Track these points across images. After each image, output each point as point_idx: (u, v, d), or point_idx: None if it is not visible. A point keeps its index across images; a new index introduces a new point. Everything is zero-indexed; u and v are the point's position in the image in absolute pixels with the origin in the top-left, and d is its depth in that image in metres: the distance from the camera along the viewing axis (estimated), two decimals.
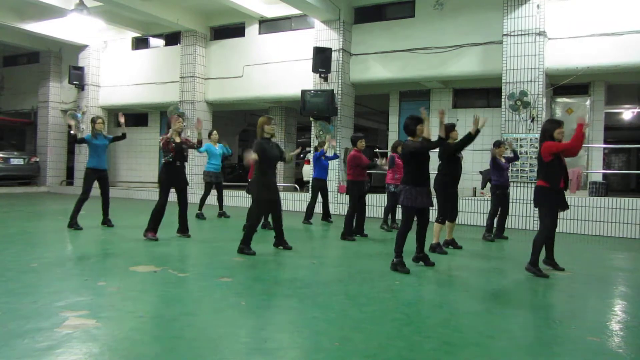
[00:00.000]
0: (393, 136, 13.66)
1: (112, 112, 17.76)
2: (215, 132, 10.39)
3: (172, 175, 7.08)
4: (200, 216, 9.89)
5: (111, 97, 16.49)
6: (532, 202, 5.72)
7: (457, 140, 6.62)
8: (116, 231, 7.93)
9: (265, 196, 6.31)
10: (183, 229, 7.47)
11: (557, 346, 3.26)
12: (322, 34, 12.02)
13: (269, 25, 13.63)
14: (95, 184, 8.19)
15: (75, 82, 16.23)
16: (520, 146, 9.72)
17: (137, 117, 18.12)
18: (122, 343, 3.10)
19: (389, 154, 9.23)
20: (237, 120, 19.97)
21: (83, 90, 16.47)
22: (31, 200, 13.74)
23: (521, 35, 9.83)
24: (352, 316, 3.79)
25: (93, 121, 8.15)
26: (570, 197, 9.38)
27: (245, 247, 6.19)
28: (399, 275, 5.25)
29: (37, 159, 17.49)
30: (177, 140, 7.05)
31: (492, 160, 7.99)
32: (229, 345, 3.13)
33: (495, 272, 5.76)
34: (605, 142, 11.82)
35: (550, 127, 5.50)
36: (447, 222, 6.88)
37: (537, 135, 9.61)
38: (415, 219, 5.64)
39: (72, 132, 8.26)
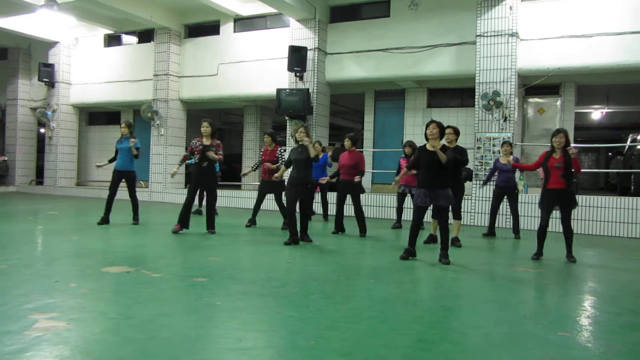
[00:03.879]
0: (368, 135, 13.73)
1: (83, 110, 17.43)
2: None
3: (198, 175, 7.66)
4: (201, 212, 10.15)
5: (83, 95, 16.16)
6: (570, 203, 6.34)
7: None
8: (90, 231, 7.78)
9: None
10: (210, 225, 7.81)
11: (529, 341, 3.32)
12: (298, 33, 12.00)
13: (244, 23, 13.55)
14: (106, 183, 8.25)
15: (45, 80, 15.89)
16: (493, 145, 9.87)
17: (109, 115, 17.83)
18: (94, 345, 3.05)
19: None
20: (212, 119, 19.80)
21: (53, 88, 16.13)
22: None
23: (494, 36, 9.99)
24: (328, 315, 3.80)
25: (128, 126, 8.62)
26: None
27: (304, 235, 7.20)
28: (373, 273, 5.28)
29: (6, 158, 17.09)
30: (206, 143, 7.60)
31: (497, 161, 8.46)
32: (205, 346, 3.10)
33: (468, 270, 5.83)
34: (575, 141, 12.10)
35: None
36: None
37: (510, 135, 9.78)
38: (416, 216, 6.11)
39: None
